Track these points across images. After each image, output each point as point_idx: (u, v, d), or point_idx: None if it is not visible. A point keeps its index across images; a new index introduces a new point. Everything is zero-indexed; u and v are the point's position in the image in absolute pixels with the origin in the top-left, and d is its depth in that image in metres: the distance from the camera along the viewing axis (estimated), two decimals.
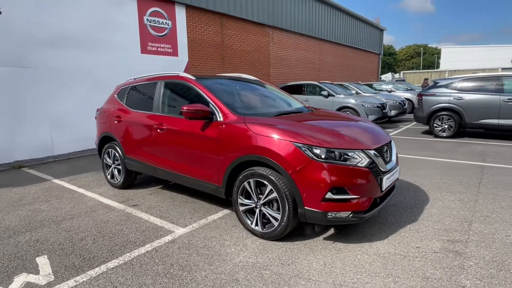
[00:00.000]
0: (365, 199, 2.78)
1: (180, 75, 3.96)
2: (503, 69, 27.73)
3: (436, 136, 8.69)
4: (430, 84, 12.87)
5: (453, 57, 39.48)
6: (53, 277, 2.51)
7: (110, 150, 4.72)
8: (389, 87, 16.37)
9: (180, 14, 9.70)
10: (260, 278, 2.43)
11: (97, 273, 2.54)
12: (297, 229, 3.14)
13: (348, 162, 2.74)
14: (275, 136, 2.85)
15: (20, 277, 2.52)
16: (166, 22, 9.31)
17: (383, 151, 3.09)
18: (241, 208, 3.17)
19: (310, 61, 16.40)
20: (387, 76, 39.58)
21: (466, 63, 35.59)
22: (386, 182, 2.96)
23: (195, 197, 4.26)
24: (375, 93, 13.29)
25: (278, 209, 2.90)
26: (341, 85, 12.46)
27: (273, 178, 2.82)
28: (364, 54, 22.43)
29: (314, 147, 2.72)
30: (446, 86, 8.58)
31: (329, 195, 2.66)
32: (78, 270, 2.60)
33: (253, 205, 3.07)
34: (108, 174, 4.84)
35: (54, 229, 3.38)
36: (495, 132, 9.07)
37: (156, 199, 4.23)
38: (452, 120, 8.34)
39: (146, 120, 4.08)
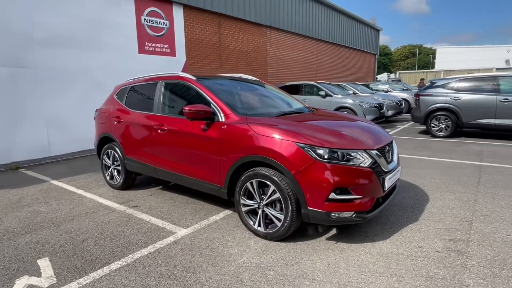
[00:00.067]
0: (367, 199, 2.79)
1: (180, 75, 3.94)
2: (498, 69, 28.00)
3: (433, 136, 8.75)
4: (426, 84, 12.98)
5: (448, 58, 39.77)
6: (55, 279, 2.49)
7: (109, 151, 4.69)
8: (386, 87, 16.45)
9: (178, 14, 9.67)
10: (265, 279, 2.43)
11: (100, 275, 2.52)
12: (299, 229, 3.14)
13: (351, 162, 2.74)
14: (278, 136, 2.85)
15: (22, 280, 2.49)
16: (163, 22, 9.27)
17: (385, 151, 3.10)
18: (244, 209, 3.16)
19: (307, 61, 16.43)
20: (383, 76, 39.79)
21: (461, 63, 35.87)
22: (388, 182, 2.97)
23: (195, 198, 4.24)
24: (372, 93, 13.35)
25: (281, 209, 2.90)
26: (338, 85, 12.50)
27: (276, 179, 2.82)
28: (360, 54, 22.52)
29: (317, 148, 2.72)
30: (443, 86, 8.64)
31: (332, 195, 2.67)
32: (80, 272, 2.57)
33: (256, 205, 3.07)
34: (108, 175, 4.81)
35: (55, 231, 3.35)
36: (492, 132, 9.15)
37: (157, 200, 4.21)
38: (449, 120, 8.40)
39: (146, 120, 4.06)
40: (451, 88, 8.45)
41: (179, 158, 3.70)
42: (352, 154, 2.76)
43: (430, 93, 8.76)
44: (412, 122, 11.85)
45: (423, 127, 9.84)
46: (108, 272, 2.57)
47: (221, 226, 3.38)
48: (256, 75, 12.36)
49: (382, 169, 2.91)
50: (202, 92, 3.57)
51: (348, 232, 3.18)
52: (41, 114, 6.92)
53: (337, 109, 10.24)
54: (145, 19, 8.77)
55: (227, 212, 3.75)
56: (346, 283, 2.36)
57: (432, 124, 8.73)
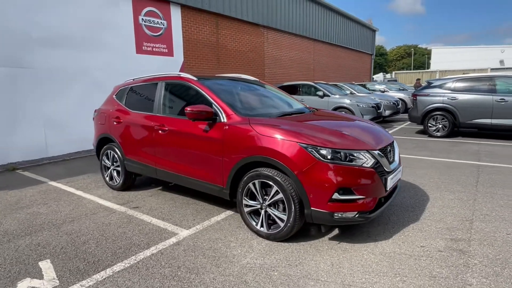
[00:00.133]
0: (370, 199, 2.80)
1: (181, 75, 3.93)
2: (492, 69, 28.25)
3: (431, 135, 8.81)
4: (422, 85, 13.05)
5: (444, 58, 40.07)
6: (58, 281, 2.47)
7: (108, 151, 4.66)
8: (382, 87, 16.54)
9: (175, 14, 9.64)
10: (269, 280, 2.43)
11: (103, 277, 2.51)
12: (301, 230, 3.15)
13: (353, 163, 2.75)
14: (281, 137, 2.85)
15: (23, 282, 2.47)
16: (161, 22, 9.24)
17: (387, 151, 3.12)
18: (246, 210, 3.16)
19: (304, 62, 16.46)
20: (379, 76, 39.96)
21: (456, 64, 36.14)
22: (390, 182, 2.99)
23: (196, 199, 4.23)
24: (369, 93, 13.41)
25: (284, 210, 2.90)
26: (335, 85, 12.54)
27: (279, 179, 2.82)
28: (356, 55, 22.61)
29: (320, 148, 2.73)
30: (440, 86, 8.70)
31: (336, 195, 2.68)
32: (83, 274, 2.56)
33: (258, 206, 3.07)
34: (107, 176, 4.78)
35: (55, 233, 3.33)
36: (488, 132, 9.23)
37: (157, 201, 4.19)
38: (446, 120, 8.47)
39: (146, 121, 4.04)
40: (448, 88, 8.52)
41: (180, 158, 3.69)
42: (355, 155, 2.77)
43: (427, 93, 8.82)
44: (409, 122, 11.93)
45: (420, 127, 9.91)
46: (111, 274, 2.55)
47: (223, 226, 3.38)
48: (254, 75, 12.33)
49: (384, 169, 2.92)
50: (203, 92, 3.56)
51: (350, 232, 3.19)
52: (38, 114, 6.87)
53: (335, 109, 10.27)
54: (142, 19, 8.74)
55: (229, 212, 3.75)
56: (351, 283, 2.37)
57: (429, 124, 8.79)
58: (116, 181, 4.62)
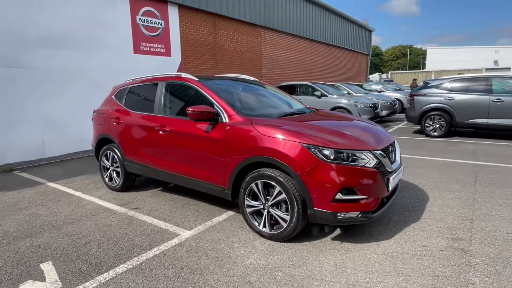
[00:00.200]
0: (373, 199, 2.81)
1: (181, 76, 3.92)
2: (487, 69, 28.52)
3: (428, 135, 8.87)
4: (418, 85, 13.13)
5: (439, 58, 40.38)
6: (60, 283, 2.45)
7: (108, 152, 4.63)
8: (379, 87, 16.62)
9: (173, 13, 9.61)
10: (273, 280, 2.43)
11: (106, 279, 2.49)
12: (303, 230, 3.15)
13: (356, 163, 2.76)
14: (284, 137, 2.85)
15: (26, 285, 2.44)
16: (158, 22, 9.20)
17: (388, 151, 3.13)
18: (248, 210, 3.15)
19: (301, 62, 16.49)
20: (375, 76, 40.17)
21: (452, 64, 36.44)
22: (392, 182, 3.00)
23: (197, 199, 4.22)
24: (366, 93, 13.47)
25: (286, 210, 2.90)
26: (332, 85, 12.58)
27: (281, 180, 2.83)
28: (353, 55, 22.70)
29: (323, 148, 2.73)
30: (437, 86, 8.77)
31: (339, 195, 2.68)
32: (86, 276, 2.54)
33: (261, 206, 3.07)
34: (106, 177, 4.75)
35: (55, 234, 3.30)
36: (485, 132, 9.31)
37: (157, 202, 4.18)
38: (443, 119, 8.53)
39: (147, 121, 4.02)
40: (445, 88, 8.58)
41: (181, 159, 3.68)
42: (358, 155, 2.78)
43: (425, 93, 8.88)
44: (406, 122, 12.00)
45: (417, 127, 9.97)
46: (114, 275, 2.54)
47: (225, 227, 3.37)
48: (251, 76, 12.34)
49: (387, 169, 2.94)
50: (204, 93, 3.55)
51: (352, 232, 3.20)
52: (36, 115, 6.81)
53: (333, 109, 10.30)
54: (140, 18, 8.70)
55: (230, 213, 3.74)
56: (355, 283, 2.38)
57: (426, 124, 8.85)
58: (116, 182, 4.59)
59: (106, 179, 4.75)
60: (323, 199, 2.71)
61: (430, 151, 6.91)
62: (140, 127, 4.10)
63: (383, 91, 15.88)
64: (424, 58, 53.02)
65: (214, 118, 3.30)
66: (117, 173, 4.57)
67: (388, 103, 11.93)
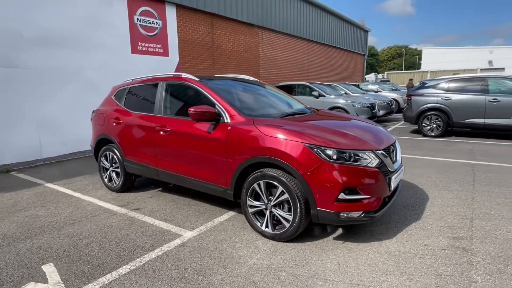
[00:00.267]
0: (375, 198, 2.82)
1: (182, 76, 3.91)
2: (482, 69, 28.78)
3: (425, 135, 8.93)
4: (415, 85, 13.22)
5: (434, 58, 40.67)
6: (63, 285, 2.43)
7: (107, 152, 4.60)
8: (376, 87, 16.69)
9: (171, 13, 9.58)
10: (277, 280, 2.43)
11: (109, 280, 2.48)
12: (305, 230, 3.15)
13: (359, 163, 2.77)
14: (287, 137, 2.86)
15: (28, 287, 2.42)
16: (156, 22, 9.17)
17: (390, 151, 3.15)
18: (250, 210, 3.15)
19: (298, 62, 16.52)
20: (371, 77, 40.36)
21: (447, 64, 36.74)
22: (394, 181, 3.02)
23: (197, 200, 4.21)
24: (363, 93, 13.52)
25: (289, 210, 2.90)
26: (329, 85, 12.62)
27: (284, 180, 2.83)
28: (349, 55, 22.78)
29: (326, 148, 2.74)
30: (434, 86, 8.83)
31: (342, 195, 2.69)
32: (88, 277, 2.52)
33: (263, 206, 3.07)
34: (106, 178, 4.72)
35: (56, 235, 3.27)
36: (481, 131, 9.39)
37: (158, 202, 4.16)
38: (440, 119, 8.59)
39: (147, 122, 4.00)
40: (442, 88, 8.64)
41: (182, 159, 3.67)
42: (360, 155, 2.80)
43: (422, 93, 8.94)
44: (403, 122, 12.07)
45: (414, 127, 10.04)
46: (117, 276, 2.52)
47: (226, 227, 3.37)
48: (249, 76, 12.35)
49: (388, 169, 2.95)
50: (206, 93, 3.55)
51: (354, 231, 3.21)
52: (32, 115, 6.75)
53: (331, 109, 10.32)
54: (137, 18, 8.66)
55: (231, 213, 3.74)
56: (359, 283, 2.38)
57: (423, 124, 8.91)
58: (115, 183, 4.57)
59: (106, 180, 4.73)
60: (326, 199, 2.71)
61: (428, 151, 6.96)
62: (140, 128, 4.08)
63: (379, 91, 15.95)
64: (420, 59, 53.38)
65: (215, 118, 3.30)
66: (117, 173, 4.54)
67: (385, 103, 11.99)
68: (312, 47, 17.54)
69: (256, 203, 3.11)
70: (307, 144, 2.77)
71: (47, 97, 6.94)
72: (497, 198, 4.02)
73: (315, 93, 10.67)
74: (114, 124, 4.43)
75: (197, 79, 3.75)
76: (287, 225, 2.91)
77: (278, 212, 2.98)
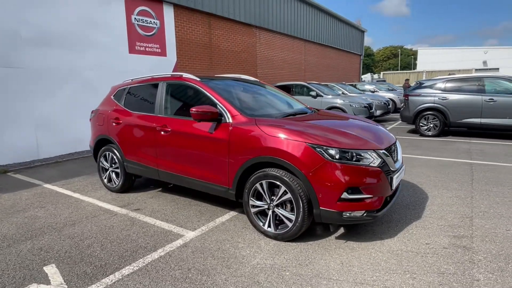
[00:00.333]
0: (377, 198, 2.84)
1: (183, 76, 3.90)
2: (477, 70, 29.04)
3: (422, 135, 8.99)
4: (411, 85, 13.29)
5: (429, 59, 40.96)
6: (66, 286, 2.41)
7: (107, 153, 4.58)
8: (372, 87, 16.77)
9: (168, 13, 9.55)
10: (282, 280, 2.43)
11: (113, 281, 2.47)
12: (307, 229, 3.16)
13: (361, 162, 2.79)
14: (289, 137, 2.86)
15: None
16: (154, 22, 9.14)
17: (391, 150, 3.17)
18: (253, 210, 3.15)
19: (296, 62, 16.55)
20: (367, 77, 40.55)
21: (442, 64, 37.02)
22: (396, 181, 3.04)
23: (198, 200, 4.20)
24: (360, 93, 13.58)
25: (292, 210, 2.91)
26: (326, 85, 12.66)
27: (287, 179, 2.83)
28: (346, 55, 22.87)
29: (328, 148, 2.75)
30: (430, 86, 8.89)
31: (344, 195, 2.70)
32: (91, 278, 2.51)
33: (266, 206, 3.07)
34: (105, 178, 4.70)
35: (57, 236, 3.25)
36: (477, 131, 9.47)
37: (158, 203, 4.15)
38: (437, 119, 8.65)
39: (148, 122, 3.99)
40: (439, 88, 8.71)
41: (184, 159, 3.66)
42: (362, 154, 2.81)
43: (419, 93, 9.00)
44: (400, 122, 12.14)
45: (411, 127, 10.10)
46: (120, 277, 2.51)
47: (228, 227, 3.37)
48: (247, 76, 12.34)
49: (390, 169, 2.97)
50: (207, 93, 3.54)
51: (355, 231, 3.23)
52: (30, 115, 6.70)
53: (329, 109, 10.35)
54: (135, 18, 8.62)
55: (233, 213, 3.74)
56: (362, 281, 2.40)
57: (421, 124, 8.97)
58: (115, 183, 4.54)
59: (105, 180, 4.70)
60: (329, 198, 2.72)
61: (425, 150, 7.01)
62: (140, 128, 4.07)
63: (376, 91, 16.03)
64: (415, 59, 53.74)
65: (217, 118, 3.29)
66: (117, 174, 4.52)
67: (382, 103, 12.05)
68: (309, 47, 17.58)
69: (258, 203, 3.11)
70: (310, 144, 2.78)
71: (44, 97, 6.89)
72: (496, 197, 4.06)
73: (313, 93, 10.70)
74: (113, 124, 4.41)
75: (198, 79, 3.74)
76: (290, 224, 2.92)
77: (280, 211, 2.98)
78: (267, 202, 3.06)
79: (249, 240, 3.08)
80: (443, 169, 5.45)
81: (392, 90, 16.99)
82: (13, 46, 6.36)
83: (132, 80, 4.65)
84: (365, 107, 10.30)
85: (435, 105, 8.62)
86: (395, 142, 3.43)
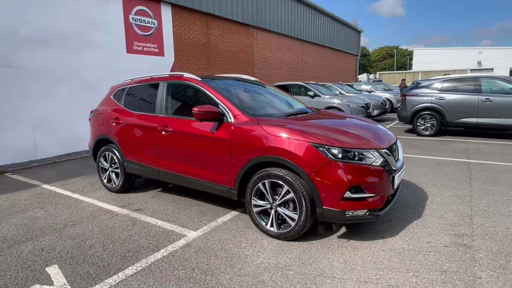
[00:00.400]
0: (379, 197, 2.85)
1: (184, 75, 3.89)
2: (472, 70, 29.29)
3: (419, 134, 9.05)
4: (407, 85, 13.38)
5: (425, 59, 41.25)
6: (69, 287, 2.40)
7: (107, 153, 4.55)
8: (369, 87, 16.85)
9: (166, 13, 9.52)
10: (286, 279, 2.44)
11: (116, 281, 2.46)
12: (309, 229, 3.17)
13: (363, 162, 2.80)
14: (292, 137, 2.87)
15: None
16: (152, 21, 9.11)
17: (392, 149, 3.19)
18: (255, 210, 3.16)
19: (293, 62, 16.58)
20: (363, 77, 40.71)
21: (437, 65, 37.31)
22: (397, 180, 3.06)
23: (199, 200, 4.20)
24: (357, 93, 13.64)
25: (294, 209, 2.92)
26: (323, 85, 12.70)
27: (290, 179, 2.84)
28: (342, 55, 22.95)
29: (331, 147, 2.76)
30: (427, 86, 8.95)
31: (347, 194, 2.72)
32: (95, 278, 2.50)
33: (268, 206, 3.08)
34: (105, 178, 4.67)
35: (58, 237, 3.23)
36: (474, 130, 9.55)
37: (159, 203, 4.13)
38: (434, 119, 8.72)
39: (148, 122, 3.97)
40: (436, 88, 8.77)
41: (185, 159, 3.65)
42: (365, 153, 2.82)
43: (416, 93, 9.06)
44: (396, 121, 12.21)
45: (408, 126, 10.17)
46: (124, 277, 2.50)
47: (230, 227, 3.37)
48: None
49: (392, 168, 2.99)
50: (208, 93, 3.54)
51: (357, 230, 3.24)
52: (27, 116, 6.64)
53: (327, 109, 10.39)
54: (133, 18, 8.58)
55: (234, 213, 3.74)
56: (366, 280, 2.41)
57: (418, 123, 9.03)
58: (115, 183, 4.52)
59: (105, 181, 4.68)
60: (332, 197, 2.73)
61: (423, 150, 7.06)
62: (141, 128, 4.05)
63: (373, 91, 16.11)
64: (410, 59, 54.07)
65: (219, 118, 3.29)
66: (117, 174, 4.50)
67: (379, 103, 12.11)
68: (306, 47, 17.62)
69: (260, 202, 3.12)
70: (312, 144, 2.79)
71: (42, 97, 6.83)
72: (494, 196, 4.10)
73: (311, 93, 10.73)
74: (113, 124, 4.39)
75: (199, 78, 3.74)
76: (293, 224, 2.92)
77: (283, 211, 2.99)
78: (269, 201, 3.06)
79: (251, 239, 3.08)
80: (441, 168, 5.50)
81: (388, 90, 17.09)
82: (11, 46, 6.30)
83: (131, 80, 4.63)
84: (362, 107, 10.34)
85: (432, 105, 8.68)
86: (396, 141, 3.45)
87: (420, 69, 34.45)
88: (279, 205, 3.01)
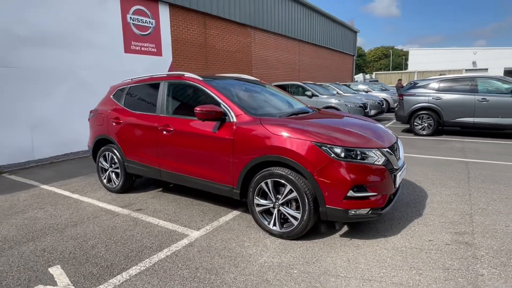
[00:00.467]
0: (381, 195, 2.88)
1: (185, 75, 3.89)
2: (467, 70, 29.54)
3: (416, 134, 9.11)
4: (404, 85, 13.46)
5: (420, 59, 41.50)
6: (73, 287, 2.39)
7: (107, 153, 4.53)
8: (366, 87, 16.93)
9: (164, 13, 9.49)
10: (290, 277, 2.45)
11: (120, 281, 2.45)
12: (311, 228, 3.18)
13: (366, 161, 2.82)
14: (295, 136, 2.88)
15: None
16: (149, 21, 9.07)
17: (394, 149, 3.21)
18: (258, 209, 3.17)
19: (290, 62, 16.61)
20: (359, 77, 40.85)
21: (433, 65, 37.56)
22: (399, 178, 3.08)
23: (200, 199, 4.20)
24: (354, 93, 13.69)
25: (297, 208, 2.93)
26: (320, 85, 12.73)
27: (292, 178, 2.85)
28: (339, 55, 23.02)
29: (334, 147, 2.78)
30: (425, 86, 9.02)
31: (350, 193, 2.73)
32: (98, 279, 2.49)
33: (271, 205, 3.09)
34: (105, 178, 4.65)
35: (59, 238, 3.21)
36: (471, 130, 9.64)
37: (160, 203, 4.13)
38: (431, 118, 8.79)
39: (149, 121, 3.96)
40: (433, 88, 8.84)
41: (186, 159, 3.65)
42: (367, 153, 2.84)
43: (413, 93, 9.12)
44: (394, 121, 12.28)
45: (405, 126, 10.23)
46: (128, 277, 2.50)
47: (233, 227, 3.37)
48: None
49: (394, 167, 3.01)
50: (210, 92, 3.54)
51: (359, 228, 3.26)
52: (24, 116, 6.58)
53: (325, 108, 10.42)
54: (131, 17, 8.55)
55: (236, 212, 3.74)
56: (370, 278, 2.43)
57: (415, 123, 9.09)
58: (115, 184, 4.50)
59: (105, 181, 4.65)
60: (335, 196, 2.75)
61: (421, 149, 7.11)
62: (142, 128, 4.04)
63: (370, 91, 16.18)
64: (406, 59, 54.40)
65: (221, 117, 3.29)
66: (117, 174, 4.48)
67: (376, 103, 12.17)
68: (303, 47, 17.66)
69: (263, 201, 3.12)
70: (315, 143, 2.80)
71: (39, 97, 6.78)
72: (493, 194, 4.15)
73: (309, 93, 10.75)
74: (113, 124, 4.37)
75: (200, 78, 3.74)
76: (295, 223, 2.94)
77: (286, 210, 3.00)
78: (272, 201, 3.07)
79: (254, 239, 3.09)
80: (440, 167, 5.54)
81: (385, 90, 17.17)
82: (8, 46, 6.24)
83: (131, 79, 4.62)
84: (360, 106, 10.39)
85: (429, 104, 8.75)
86: (397, 140, 3.48)
87: (416, 69, 34.68)
88: (282, 204, 3.01)
